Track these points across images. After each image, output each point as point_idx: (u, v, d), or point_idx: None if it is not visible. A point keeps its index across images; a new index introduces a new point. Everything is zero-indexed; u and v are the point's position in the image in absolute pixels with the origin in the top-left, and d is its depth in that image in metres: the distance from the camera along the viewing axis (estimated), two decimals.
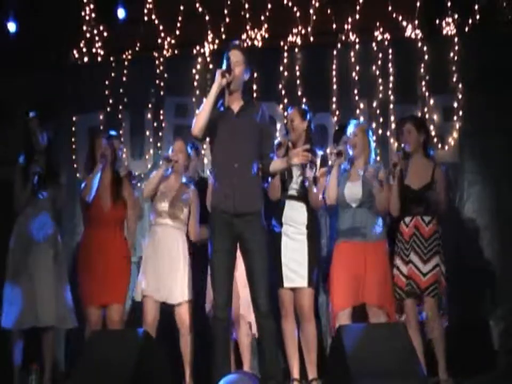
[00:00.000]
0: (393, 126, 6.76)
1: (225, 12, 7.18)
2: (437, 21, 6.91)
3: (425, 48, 6.81)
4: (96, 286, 5.81)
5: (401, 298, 5.72)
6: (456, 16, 6.86)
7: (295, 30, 7.07)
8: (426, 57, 6.79)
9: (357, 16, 6.99)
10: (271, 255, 5.51)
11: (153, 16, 7.29)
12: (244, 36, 7.08)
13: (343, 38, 6.99)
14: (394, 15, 6.94)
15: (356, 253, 5.68)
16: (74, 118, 7.19)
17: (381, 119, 6.80)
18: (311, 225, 5.69)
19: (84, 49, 7.32)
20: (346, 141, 5.86)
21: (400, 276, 5.72)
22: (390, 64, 6.84)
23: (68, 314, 6.01)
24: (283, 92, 6.91)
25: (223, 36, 7.12)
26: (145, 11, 7.30)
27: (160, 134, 7.07)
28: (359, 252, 5.68)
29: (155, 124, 7.09)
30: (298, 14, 7.08)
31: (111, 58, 7.28)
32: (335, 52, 6.93)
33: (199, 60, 7.10)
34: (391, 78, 6.83)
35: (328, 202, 5.80)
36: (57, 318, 5.95)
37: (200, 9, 7.20)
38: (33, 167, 6.00)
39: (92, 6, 7.35)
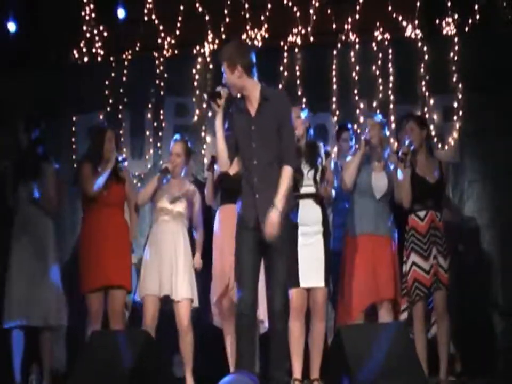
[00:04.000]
0: (393, 126, 6.76)
1: (225, 11, 7.18)
2: (437, 21, 6.91)
3: (425, 48, 6.80)
4: (98, 268, 5.79)
5: (425, 295, 5.69)
6: (456, 16, 6.86)
7: (295, 30, 7.07)
8: (426, 57, 6.79)
9: (357, 16, 6.99)
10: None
11: (153, 16, 7.29)
12: (244, 36, 7.08)
13: (343, 38, 6.99)
14: (394, 15, 6.95)
15: (376, 246, 5.70)
16: (74, 118, 7.19)
17: None
18: (325, 222, 5.66)
19: (84, 49, 7.32)
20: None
21: (422, 272, 5.69)
22: (390, 64, 6.83)
23: (55, 312, 6.00)
24: None
25: (223, 36, 7.12)
26: (145, 11, 7.30)
27: (160, 134, 7.07)
28: (378, 245, 5.70)
29: (155, 124, 7.09)
30: (298, 14, 7.08)
31: (111, 58, 7.29)
32: (335, 52, 6.93)
33: (199, 59, 7.10)
34: (391, 78, 6.83)
35: (345, 188, 5.77)
36: (43, 318, 5.94)
37: (200, 9, 7.20)
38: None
39: (92, 6, 7.35)
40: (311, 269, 5.55)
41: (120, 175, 6.00)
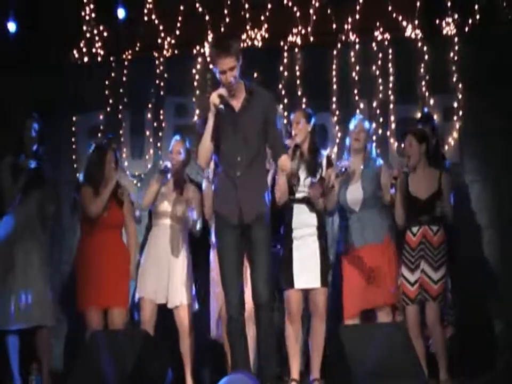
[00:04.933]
0: (393, 126, 6.76)
1: (225, 11, 7.18)
2: (437, 21, 6.91)
3: (425, 48, 6.81)
4: (96, 289, 5.78)
5: (407, 304, 5.71)
6: (456, 16, 6.86)
7: (295, 30, 7.07)
8: (426, 57, 6.80)
9: (357, 16, 6.99)
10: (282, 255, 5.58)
11: (153, 16, 7.29)
12: (244, 36, 7.08)
13: (343, 38, 6.99)
14: (394, 15, 6.95)
15: (366, 256, 5.69)
16: (74, 118, 7.19)
17: (381, 119, 6.80)
18: (321, 226, 5.67)
19: (84, 49, 7.32)
20: (351, 135, 5.89)
21: (407, 284, 5.71)
22: (390, 64, 6.84)
23: (50, 312, 6.00)
24: (283, 92, 6.91)
25: None
26: (145, 11, 7.30)
27: (160, 134, 7.07)
28: (368, 254, 5.69)
29: (155, 124, 7.09)
30: (298, 14, 7.08)
31: (111, 58, 7.28)
32: (335, 52, 6.93)
33: (199, 60, 7.10)
34: (391, 78, 6.83)
35: (328, 209, 5.79)
36: (39, 317, 5.93)
37: (200, 9, 7.20)
38: (25, 163, 6.00)
39: (92, 6, 7.34)
40: (306, 269, 5.56)
41: (120, 197, 5.98)
